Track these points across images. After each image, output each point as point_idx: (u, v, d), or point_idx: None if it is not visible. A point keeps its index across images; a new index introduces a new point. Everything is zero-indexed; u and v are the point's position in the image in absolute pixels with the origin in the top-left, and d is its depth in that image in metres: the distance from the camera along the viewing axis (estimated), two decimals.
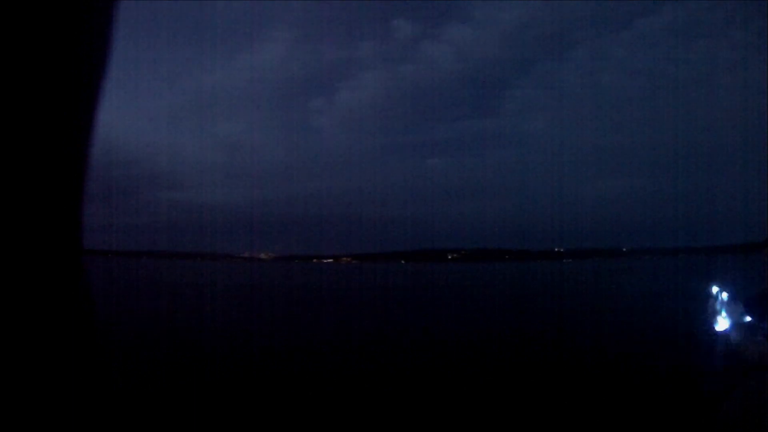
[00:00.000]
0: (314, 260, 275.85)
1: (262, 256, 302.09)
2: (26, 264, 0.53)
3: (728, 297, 2.70)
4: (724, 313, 2.69)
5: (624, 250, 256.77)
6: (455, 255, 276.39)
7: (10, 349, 0.51)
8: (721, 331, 2.66)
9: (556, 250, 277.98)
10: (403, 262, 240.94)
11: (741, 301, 2.70)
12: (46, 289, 0.54)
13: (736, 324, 2.64)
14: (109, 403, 0.59)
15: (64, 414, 0.55)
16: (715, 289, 2.76)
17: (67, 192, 0.56)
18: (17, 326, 0.52)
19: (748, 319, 2.64)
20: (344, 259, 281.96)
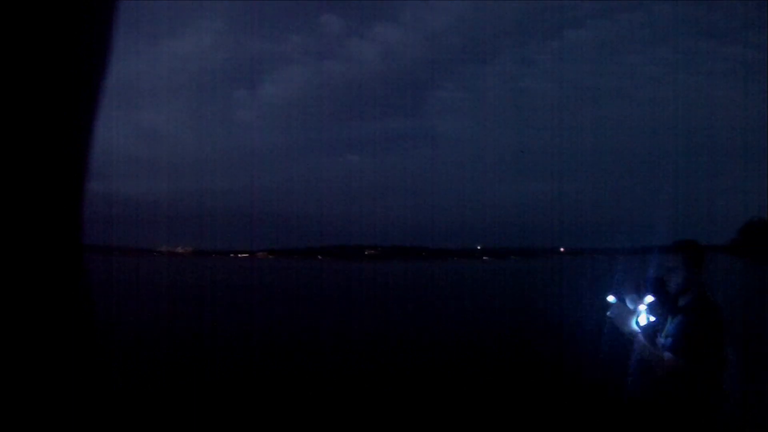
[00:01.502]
0: (230, 255, 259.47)
1: (179, 250, 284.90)
2: (26, 263, 0.52)
3: (626, 287, 2.93)
4: (626, 301, 2.88)
5: (541, 249, 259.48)
6: (372, 252, 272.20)
7: (10, 349, 0.50)
8: (627, 332, 2.75)
9: (474, 248, 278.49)
10: (319, 258, 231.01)
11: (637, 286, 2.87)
12: (46, 289, 0.54)
13: (641, 331, 2.72)
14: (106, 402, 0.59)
15: (64, 413, 0.54)
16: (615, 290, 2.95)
17: (67, 192, 0.56)
18: (17, 326, 0.51)
19: (641, 322, 2.74)
20: (260, 254, 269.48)
